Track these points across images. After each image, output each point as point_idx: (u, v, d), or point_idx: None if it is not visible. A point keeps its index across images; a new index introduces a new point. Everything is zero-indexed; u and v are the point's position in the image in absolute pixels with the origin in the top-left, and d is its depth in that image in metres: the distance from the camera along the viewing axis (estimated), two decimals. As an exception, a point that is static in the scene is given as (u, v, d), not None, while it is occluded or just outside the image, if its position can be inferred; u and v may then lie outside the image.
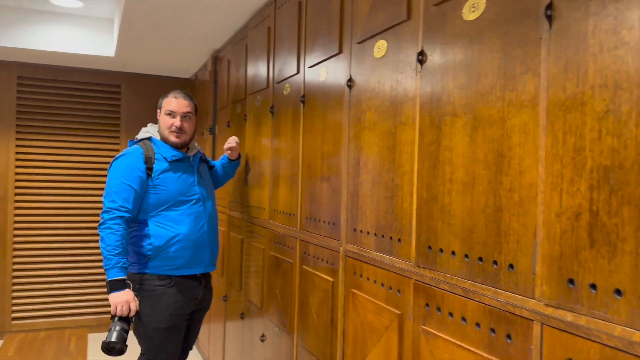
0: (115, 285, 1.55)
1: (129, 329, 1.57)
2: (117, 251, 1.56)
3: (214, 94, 2.85)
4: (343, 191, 1.36)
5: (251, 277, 2.14)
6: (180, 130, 1.76)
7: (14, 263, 3.37)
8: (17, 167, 3.37)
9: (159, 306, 1.68)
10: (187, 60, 3.17)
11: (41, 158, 3.44)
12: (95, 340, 3.19)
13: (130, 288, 1.58)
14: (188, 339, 1.86)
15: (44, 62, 3.37)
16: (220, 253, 2.44)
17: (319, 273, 1.48)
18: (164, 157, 1.73)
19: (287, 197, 1.77)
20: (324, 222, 1.47)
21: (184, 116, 1.78)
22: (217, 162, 2.10)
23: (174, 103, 1.77)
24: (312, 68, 1.58)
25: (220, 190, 2.52)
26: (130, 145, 1.79)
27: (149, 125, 1.86)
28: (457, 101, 0.93)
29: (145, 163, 1.69)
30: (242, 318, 2.24)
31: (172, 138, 1.75)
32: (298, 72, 1.69)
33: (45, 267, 3.42)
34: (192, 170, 1.81)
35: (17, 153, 3.37)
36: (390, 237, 1.13)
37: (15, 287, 3.37)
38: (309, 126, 1.61)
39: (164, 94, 1.83)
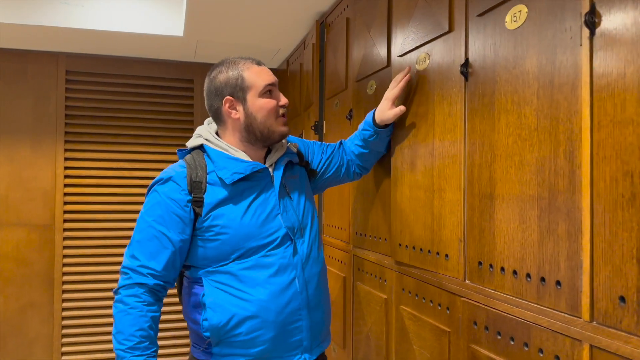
0: None
1: None
2: (132, 343, 1.43)
3: (320, 75, 2.76)
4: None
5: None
6: (286, 110, 1.67)
7: (64, 309, 3.74)
8: (66, 186, 3.74)
9: None
10: (278, 36, 3.16)
11: (97, 174, 3.77)
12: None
13: None
14: None
15: (96, 52, 3.71)
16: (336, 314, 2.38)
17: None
18: (220, 179, 1.54)
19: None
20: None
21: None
22: (350, 141, 1.91)
23: (265, 72, 1.63)
24: (403, 57, 1.77)
25: (336, 211, 2.50)
26: (180, 159, 1.65)
27: (205, 122, 1.71)
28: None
29: (191, 192, 1.52)
30: None
31: (282, 127, 1.63)
32: (388, 64, 1.90)
33: (99, 313, 3.72)
34: (271, 189, 1.60)
35: (67, 168, 3.75)
36: None
37: (65, 341, 3.73)
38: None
39: (219, 68, 1.63)
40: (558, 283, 1.07)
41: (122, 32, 3.23)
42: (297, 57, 3.33)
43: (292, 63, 3.49)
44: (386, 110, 1.74)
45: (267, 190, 1.59)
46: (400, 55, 1.77)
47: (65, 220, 3.72)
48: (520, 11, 1.20)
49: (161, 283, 1.51)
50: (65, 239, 3.73)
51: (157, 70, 3.88)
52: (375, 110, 1.78)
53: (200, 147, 1.63)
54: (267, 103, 1.59)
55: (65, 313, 3.73)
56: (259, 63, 1.62)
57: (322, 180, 1.85)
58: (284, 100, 1.63)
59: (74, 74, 3.75)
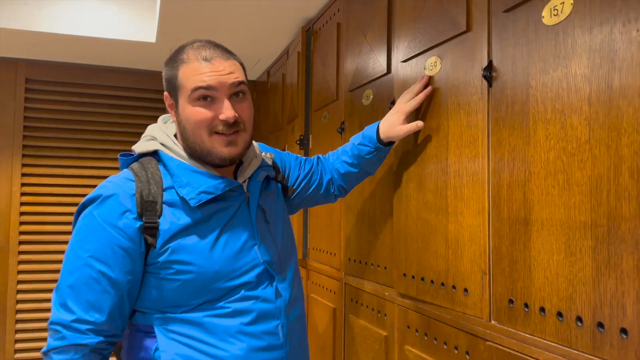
0: None
1: None
2: None
3: (307, 85, 2.56)
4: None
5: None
6: (234, 127, 1.21)
7: (17, 341, 3.41)
8: (22, 204, 3.46)
9: None
10: (259, 45, 2.97)
11: (57, 192, 3.50)
12: None
13: None
14: None
15: (59, 59, 3.47)
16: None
17: None
18: (182, 198, 1.20)
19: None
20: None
21: (234, 94, 1.22)
22: (334, 157, 1.63)
23: (208, 69, 1.19)
24: (408, 62, 1.58)
25: (324, 234, 2.32)
26: (123, 168, 1.29)
27: (159, 119, 1.35)
28: None
29: (141, 216, 1.17)
30: None
31: (221, 148, 1.21)
32: (388, 71, 1.72)
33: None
34: (246, 213, 1.28)
35: (24, 185, 3.46)
36: None
37: (17, 375, 3.38)
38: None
39: (171, 55, 1.27)
40: (624, 331, 0.87)
41: (88, 37, 2.99)
42: (279, 67, 3.13)
43: (273, 74, 3.29)
44: (397, 125, 1.49)
45: (241, 214, 1.27)
46: (405, 61, 1.58)
47: (20, 242, 3.43)
48: (562, 3, 1.02)
49: (106, 340, 1.16)
50: (20, 262, 3.42)
51: (126, 80, 3.65)
52: (379, 123, 1.53)
53: (154, 154, 1.28)
54: (195, 114, 1.19)
55: (19, 345, 3.40)
56: (207, 58, 1.20)
57: (298, 200, 1.55)
58: (226, 113, 1.18)
59: (35, 82, 3.49)
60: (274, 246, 1.31)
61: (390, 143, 1.55)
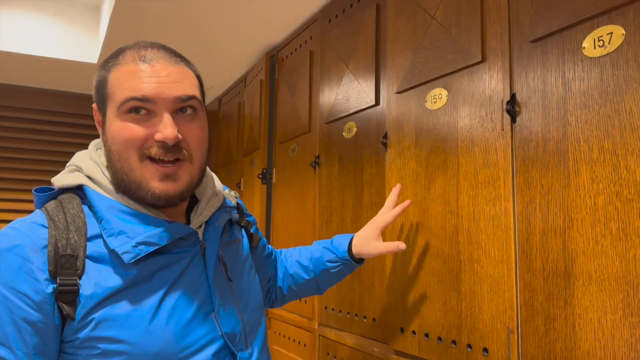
0: None
1: None
2: None
3: (270, 115, 2.38)
4: None
5: None
6: (174, 153, 0.92)
7: None
8: None
9: None
10: (211, 71, 2.77)
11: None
12: None
13: None
14: None
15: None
16: None
17: None
18: (113, 252, 0.89)
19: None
20: None
21: (180, 109, 0.94)
22: (292, 252, 1.37)
23: (146, 74, 0.91)
24: (404, 94, 1.47)
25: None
26: (37, 207, 0.97)
27: (91, 145, 1.04)
28: None
29: (54, 276, 0.85)
30: None
31: (153, 182, 0.92)
32: (377, 103, 1.61)
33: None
34: (201, 269, 0.98)
35: None
36: None
37: None
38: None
39: (107, 58, 0.98)
40: None
41: (20, 54, 2.70)
42: (234, 96, 2.95)
43: (226, 102, 3.10)
44: (371, 241, 1.28)
45: (194, 270, 0.96)
46: (400, 92, 1.46)
47: None
48: (610, 33, 0.94)
49: None
50: None
51: (62, 104, 3.36)
52: (353, 236, 1.31)
53: (77, 189, 0.97)
54: (122, 130, 0.90)
55: None
56: (147, 59, 0.92)
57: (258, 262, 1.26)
58: (164, 132, 0.89)
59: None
60: (238, 313, 1.01)
61: (360, 260, 1.31)
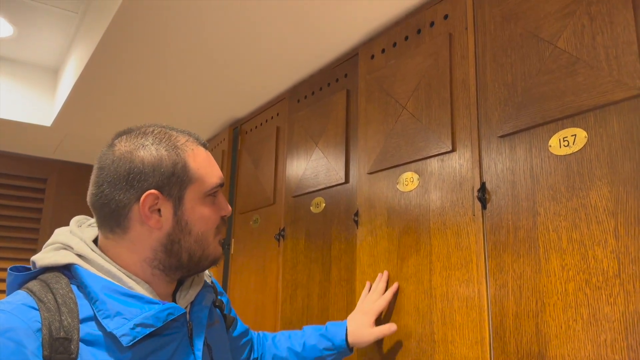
0: None
1: None
2: None
3: (231, 186, 2.40)
4: None
5: None
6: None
7: None
8: None
9: None
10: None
11: None
12: None
13: None
14: None
15: None
16: None
17: None
18: (110, 334, 0.87)
19: None
20: None
21: None
22: (281, 337, 1.36)
23: (213, 160, 1.04)
24: (375, 174, 1.55)
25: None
26: (16, 288, 0.92)
27: (73, 222, 1.03)
28: None
29: None
30: None
31: (219, 251, 1.03)
32: (347, 181, 1.68)
33: None
34: (188, 351, 0.96)
35: None
36: None
37: None
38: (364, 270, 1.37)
39: (141, 140, 0.97)
40: None
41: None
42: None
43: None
44: (367, 327, 1.32)
45: (182, 352, 0.95)
46: (371, 173, 1.54)
47: None
48: (574, 135, 1.05)
49: None
50: None
51: (2, 166, 3.24)
52: (346, 324, 1.33)
53: (63, 269, 0.93)
54: (211, 214, 0.99)
55: None
56: (204, 144, 1.04)
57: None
58: (227, 209, 1.04)
59: None
60: None
61: (352, 349, 1.34)
